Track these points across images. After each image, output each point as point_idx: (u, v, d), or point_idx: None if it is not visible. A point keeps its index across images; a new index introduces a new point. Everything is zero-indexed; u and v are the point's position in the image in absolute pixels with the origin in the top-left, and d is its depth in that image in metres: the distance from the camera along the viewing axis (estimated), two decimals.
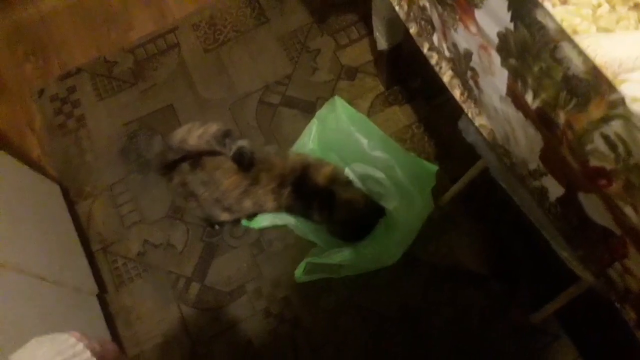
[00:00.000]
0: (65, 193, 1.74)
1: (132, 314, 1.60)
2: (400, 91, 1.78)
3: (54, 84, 1.95)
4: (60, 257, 1.51)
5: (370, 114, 1.76)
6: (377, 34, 1.52)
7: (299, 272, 1.51)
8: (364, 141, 1.61)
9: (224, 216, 1.53)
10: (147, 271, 1.64)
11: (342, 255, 1.49)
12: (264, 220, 1.60)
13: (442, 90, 1.61)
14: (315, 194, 1.43)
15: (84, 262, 1.60)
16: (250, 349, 1.51)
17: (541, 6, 0.67)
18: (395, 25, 1.44)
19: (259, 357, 1.50)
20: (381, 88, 1.79)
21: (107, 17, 2.06)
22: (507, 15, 0.76)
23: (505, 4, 0.75)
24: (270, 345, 1.50)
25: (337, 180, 1.46)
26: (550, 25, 0.68)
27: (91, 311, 1.51)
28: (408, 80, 1.77)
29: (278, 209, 1.49)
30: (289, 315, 1.53)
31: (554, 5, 0.66)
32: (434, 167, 1.57)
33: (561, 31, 0.66)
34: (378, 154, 1.59)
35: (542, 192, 0.95)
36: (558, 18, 0.66)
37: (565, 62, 0.69)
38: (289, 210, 1.51)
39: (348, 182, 1.50)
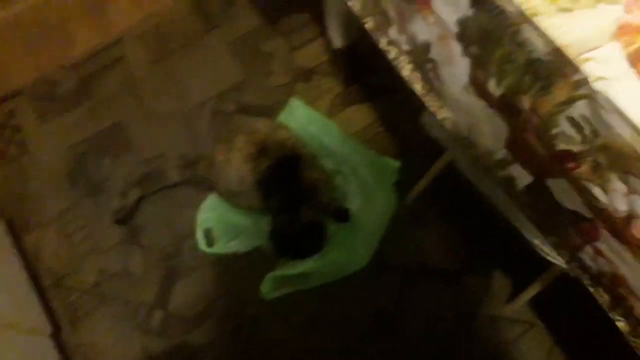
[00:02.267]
0: (10, 226, 1.67)
1: (91, 352, 1.53)
2: (359, 89, 1.78)
3: None
4: (8, 298, 1.44)
5: (330, 114, 1.75)
6: (331, 32, 1.52)
7: (265, 288, 1.48)
8: (326, 140, 1.61)
9: (236, 202, 1.53)
10: (104, 303, 1.58)
11: (307, 264, 1.48)
12: (226, 246, 1.57)
13: (402, 85, 1.63)
14: (298, 190, 1.42)
15: (34, 300, 1.53)
16: None
17: None
18: (349, 21, 1.44)
19: None
20: (340, 87, 1.79)
21: (45, 32, 1.98)
22: (466, 2, 0.76)
23: None
24: None
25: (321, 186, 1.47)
26: (510, 8, 0.68)
27: (46, 353, 1.45)
28: (366, 78, 1.77)
29: (258, 187, 1.46)
30: (259, 335, 1.49)
31: None
32: (395, 163, 1.59)
33: (521, 14, 0.66)
34: (340, 152, 1.60)
35: (510, 181, 0.96)
36: (517, 1, 0.66)
37: (527, 45, 0.69)
38: (261, 185, 1.47)
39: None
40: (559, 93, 0.68)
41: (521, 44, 0.70)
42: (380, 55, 1.14)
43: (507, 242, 1.45)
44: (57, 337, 1.53)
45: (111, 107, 1.85)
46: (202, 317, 1.53)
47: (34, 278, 1.60)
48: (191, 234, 1.60)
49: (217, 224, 1.60)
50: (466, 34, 0.81)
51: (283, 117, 1.68)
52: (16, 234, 1.68)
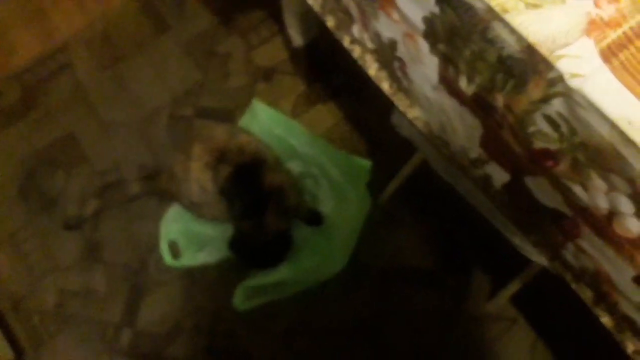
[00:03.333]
0: None
1: None
2: (322, 88, 1.75)
3: None
4: None
5: (294, 115, 1.71)
6: (291, 30, 1.49)
7: (237, 299, 1.45)
8: (292, 142, 1.58)
9: (200, 214, 1.49)
10: (68, 324, 1.52)
11: (280, 272, 1.45)
12: (193, 258, 1.52)
13: (367, 83, 1.61)
14: (262, 195, 1.38)
15: None
16: None
17: None
18: (309, 19, 1.41)
19: None
20: (302, 87, 1.75)
21: None
22: None
23: None
24: None
25: (286, 190, 1.43)
26: (478, 5, 0.66)
27: None
28: (329, 76, 1.75)
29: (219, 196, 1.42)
30: (236, 349, 1.46)
31: None
32: (366, 163, 1.57)
33: (490, 10, 0.65)
34: (308, 154, 1.58)
35: (486, 180, 0.95)
36: None
37: (498, 42, 0.67)
38: (223, 193, 1.42)
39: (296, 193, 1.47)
40: (534, 91, 0.67)
41: (492, 41, 0.69)
42: (343, 52, 1.12)
43: (484, 239, 1.47)
44: None
45: (60, 117, 1.77)
46: (174, 334, 1.48)
47: None
48: (155, 248, 1.54)
49: (182, 235, 1.55)
50: (433, 32, 0.79)
51: (245, 120, 1.64)
52: None
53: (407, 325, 1.47)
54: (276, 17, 1.83)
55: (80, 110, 1.78)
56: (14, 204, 1.66)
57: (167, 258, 1.52)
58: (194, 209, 1.51)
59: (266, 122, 1.60)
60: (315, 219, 1.49)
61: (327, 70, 1.74)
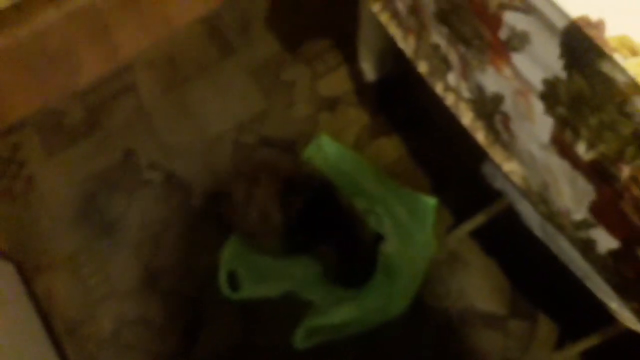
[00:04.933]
0: (20, 269, 1.59)
1: None
2: (386, 121, 1.73)
3: None
4: (21, 346, 1.37)
5: (356, 147, 1.69)
6: (364, 65, 1.47)
7: (298, 337, 1.42)
8: (357, 178, 1.56)
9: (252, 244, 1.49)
10: (124, 353, 1.51)
11: (344, 313, 1.42)
12: (254, 291, 1.50)
13: (433, 118, 1.59)
14: (339, 220, 1.37)
15: (48, 348, 1.46)
16: None
17: (609, 58, 0.63)
18: (385, 55, 1.39)
19: None
20: (367, 118, 1.73)
21: (50, 59, 1.92)
22: (557, 63, 0.71)
23: (557, 51, 0.70)
24: None
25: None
26: (620, 78, 0.63)
27: None
28: (396, 109, 1.72)
29: (285, 227, 1.41)
30: None
31: (625, 57, 0.62)
32: (432, 200, 1.52)
33: (634, 85, 0.62)
34: (372, 190, 1.54)
35: (589, 244, 0.91)
36: (632, 72, 0.61)
37: (637, 117, 0.64)
38: (293, 231, 1.42)
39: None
40: None
41: (630, 116, 0.65)
42: (412, 87, 1.09)
43: (555, 285, 1.42)
44: None
45: (122, 139, 1.79)
46: None
47: (47, 325, 1.53)
48: (214, 279, 1.53)
49: (242, 267, 1.53)
50: (554, 95, 0.76)
51: (309, 152, 1.62)
52: (26, 277, 1.61)
53: None
54: (342, 46, 1.82)
55: (141, 132, 1.79)
56: (74, 226, 1.68)
57: (226, 290, 1.51)
58: (248, 238, 1.50)
59: (332, 156, 1.58)
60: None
61: (393, 103, 1.72)
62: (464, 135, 1.06)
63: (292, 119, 1.75)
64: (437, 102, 1.08)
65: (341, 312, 1.41)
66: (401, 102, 1.71)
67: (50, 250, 1.65)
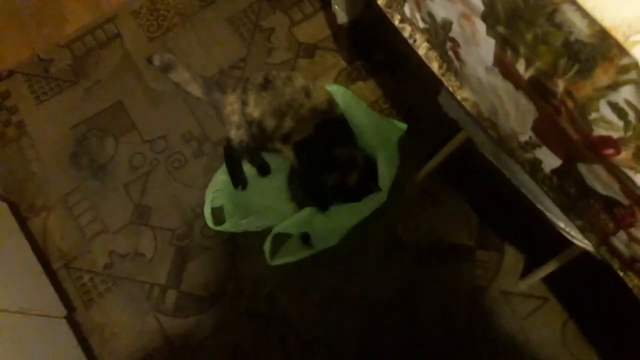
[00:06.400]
0: (15, 210, 1.61)
1: (106, 331, 1.50)
2: (363, 65, 1.71)
3: None
4: (19, 282, 1.40)
5: None
6: (336, 7, 1.44)
7: (267, 250, 1.44)
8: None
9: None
10: (116, 284, 1.54)
11: (305, 213, 1.44)
12: (236, 225, 1.51)
13: (407, 61, 1.56)
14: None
15: (46, 283, 1.49)
16: (239, 353, 1.44)
17: None
18: None
19: None
20: (343, 64, 1.71)
21: (36, 10, 1.88)
22: None
23: None
24: (259, 346, 1.44)
25: None
26: None
27: (62, 335, 1.41)
28: (371, 54, 1.70)
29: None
30: (275, 313, 1.47)
31: None
32: (402, 125, 1.54)
33: None
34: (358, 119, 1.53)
35: (535, 164, 0.91)
36: None
37: (566, 26, 0.63)
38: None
39: None
40: (601, 77, 0.63)
41: (559, 25, 0.64)
42: (385, 30, 1.07)
43: (520, 217, 1.43)
44: (71, 318, 1.49)
45: (109, 86, 1.77)
46: (216, 297, 1.50)
47: (44, 261, 1.55)
48: (200, 215, 1.55)
49: (227, 202, 1.54)
50: (493, 13, 0.75)
51: None
52: (21, 217, 1.62)
53: (438, 298, 1.46)
54: None
55: (128, 79, 1.77)
56: (66, 168, 1.68)
57: (210, 222, 1.53)
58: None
59: None
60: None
61: (369, 48, 1.69)
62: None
63: (271, 65, 1.73)
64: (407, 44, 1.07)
65: (303, 213, 1.43)
66: (375, 46, 1.69)
67: (44, 191, 1.66)
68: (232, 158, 1.55)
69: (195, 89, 1.58)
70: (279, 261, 1.45)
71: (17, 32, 1.85)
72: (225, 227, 1.51)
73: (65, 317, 1.46)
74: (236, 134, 1.51)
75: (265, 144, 1.52)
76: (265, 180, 1.57)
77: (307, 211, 1.44)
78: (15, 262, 1.45)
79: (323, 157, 1.46)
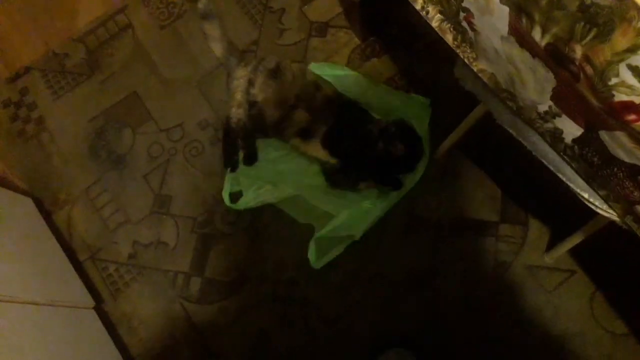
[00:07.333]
0: (39, 204, 1.64)
1: (134, 320, 1.53)
2: (376, 42, 1.68)
3: (3, 88, 1.82)
4: (47, 275, 1.43)
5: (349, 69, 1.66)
6: None
7: (312, 256, 1.42)
8: (355, 91, 1.53)
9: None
10: (141, 273, 1.57)
11: (343, 215, 1.41)
12: (250, 201, 1.51)
13: (422, 35, 1.53)
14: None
15: (73, 275, 1.52)
16: (263, 336, 1.46)
17: None
18: None
19: (274, 343, 1.46)
20: (356, 41, 1.69)
21: (48, 5, 1.90)
22: None
23: None
24: (283, 329, 1.46)
25: None
26: None
27: (91, 325, 1.45)
28: (384, 29, 1.67)
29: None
30: (297, 296, 1.48)
31: None
32: (426, 100, 1.53)
33: None
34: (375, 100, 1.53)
35: (556, 134, 0.89)
36: None
37: None
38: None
39: None
40: (620, 40, 0.61)
41: None
42: (397, 4, 1.05)
43: (543, 189, 1.41)
44: (99, 309, 1.53)
45: (123, 77, 1.78)
46: (240, 283, 1.51)
47: (70, 254, 1.58)
48: (221, 201, 1.56)
49: (244, 176, 1.52)
50: None
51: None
52: (46, 211, 1.66)
53: (461, 274, 1.45)
54: None
55: (141, 69, 1.78)
56: (86, 161, 1.71)
57: (227, 201, 1.52)
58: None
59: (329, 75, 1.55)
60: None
61: (382, 23, 1.67)
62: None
63: (284, 47, 1.72)
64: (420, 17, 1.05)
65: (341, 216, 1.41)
66: (388, 21, 1.66)
67: (66, 185, 1.69)
68: (229, 137, 1.51)
69: (218, 48, 1.54)
70: (324, 261, 1.44)
71: (31, 29, 1.87)
72: (243, 201, 1.50)
73: (93, 308, 1.49)
74: (235, 112, 1.47)
75: (265, 130, 1.48)
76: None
77: (361, 207, 1.43)
78: (43, 255, 1.48)
79: (360, 141, 1.43)
